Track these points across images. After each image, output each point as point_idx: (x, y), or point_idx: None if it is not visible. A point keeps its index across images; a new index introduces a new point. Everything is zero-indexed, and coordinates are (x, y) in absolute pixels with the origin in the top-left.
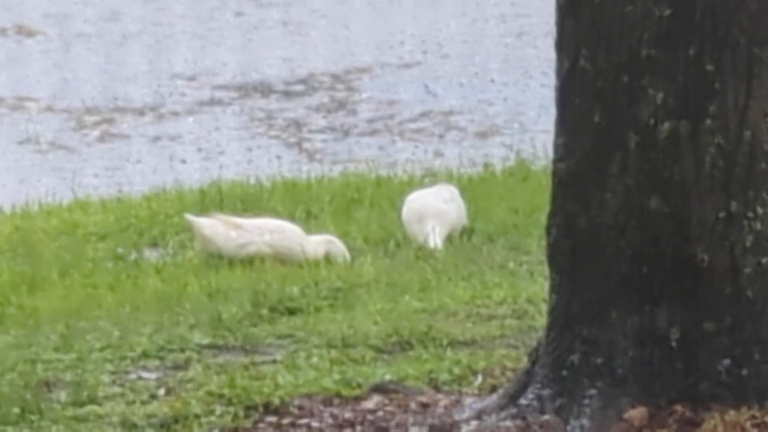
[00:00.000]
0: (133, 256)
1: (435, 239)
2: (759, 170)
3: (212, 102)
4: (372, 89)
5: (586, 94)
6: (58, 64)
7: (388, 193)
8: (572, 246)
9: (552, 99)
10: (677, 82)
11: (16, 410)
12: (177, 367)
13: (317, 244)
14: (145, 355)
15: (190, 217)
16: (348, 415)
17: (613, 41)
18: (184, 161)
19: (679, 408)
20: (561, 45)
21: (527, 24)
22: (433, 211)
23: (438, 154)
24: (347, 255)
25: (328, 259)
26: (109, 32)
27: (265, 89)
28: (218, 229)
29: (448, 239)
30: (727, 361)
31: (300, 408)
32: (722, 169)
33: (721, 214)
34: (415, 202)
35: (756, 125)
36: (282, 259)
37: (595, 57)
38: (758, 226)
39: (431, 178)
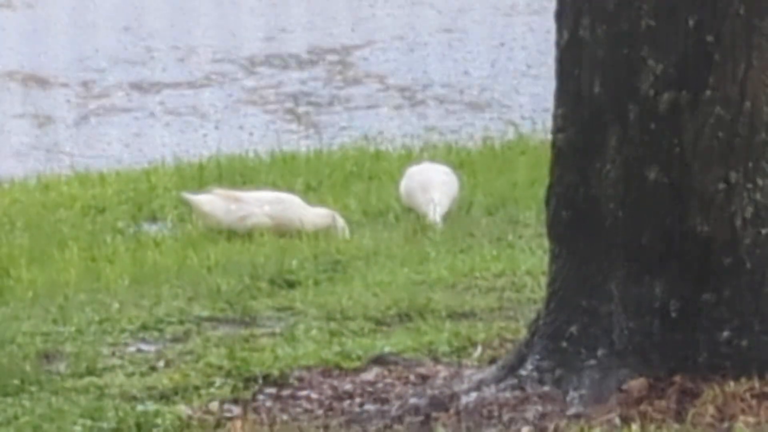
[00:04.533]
0: (132, 229)
1: (436, 213)
2: (759, 141)
3: (210, 75)
4: (369, 63)
5: (585, 65)
6: (48, 37)
7: (387, 166)
8: (571, 217)
9: (543, 71)
10: (677, 53)
11: (16, 381)
12: (176, 340)
13: (319, 216)
14: (144, 327)
15: (187, 195)
16: (347, 386)
17: (612, 12)
18: (183, 134)
19: (678, 379)
20: (560, 16)
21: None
22: (438, 183)
23: (436, 128)
24: (347, 232)
25: (327, 232)
26: (91, 8)
27: (263, 62)
28: (217, 203)
29: (448, 213)
30: (726, 333)
31: (299, 380)
32: (722, 140)
33: (721, 186)
34: (418, 174)
35: (756, 96)
36: (282, 230)
37: (594, 28)
38: (758, 196)
39: (430, 151)
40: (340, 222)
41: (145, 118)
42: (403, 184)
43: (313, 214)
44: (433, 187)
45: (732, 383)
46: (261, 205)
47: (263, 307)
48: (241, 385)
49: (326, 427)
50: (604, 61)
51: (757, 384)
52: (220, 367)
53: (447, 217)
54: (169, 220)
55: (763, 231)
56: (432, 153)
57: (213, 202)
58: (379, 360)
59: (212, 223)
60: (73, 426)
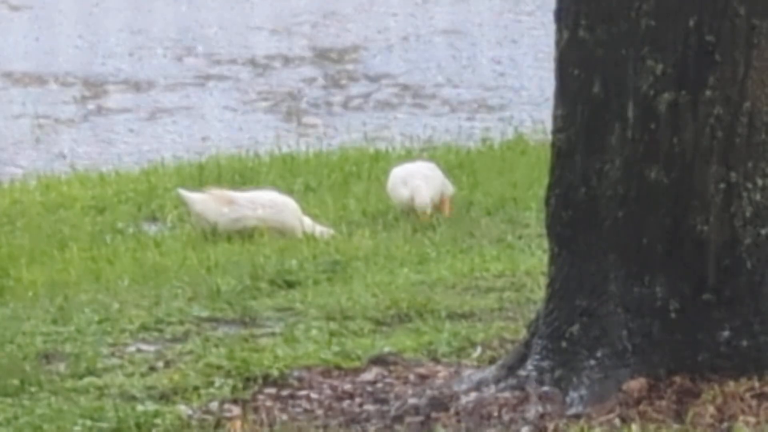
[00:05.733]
0: (132, 229)
1: (422, 196)
2: (758, 141)
3: (210, 75)
4: (369, 63)
5: (585, 64)
6: (48, 37)
7: (386, 166)
8: (571, 217)
9: (544, 72)
10: (677, 53)
11: (16, 382)
12: (176, 340)
13: (308, 226)
14: (143, 327)
15: (182, 192)
16: (347, 386)
17: (612, 12)
18: (182, 134)
19: (678, 379)
20: (560, 15)
21: None
22: (418, 174)
23: (435, 127)
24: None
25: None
26: (91, 5)
27: (263, 62)
28: (210, 204)
29: (441, 210)
30: (726, 333)
31: (299, 380)
32: (722, 140)
33: (721, 185)
34: (398, 169)
35: (755, 96)
36: (275, 233)
37: (594, 27)
38: (758, 197)
39: (430, 151)
40: (323, 229)
41: (145, 118)
42: (388, 185)
43: (305, 223)
44: (414, 177)
45: (732, 383)
46: (254, 208)
47: (263, 307)
48: (240, 385)
49: (326, 427)
50: (604, 61)
51: (756, 384)
52: (219, 367)
53: (439, 214)
54: (169, 220)
55: (763, 231)
56: (432, 153)
57: (205, 202)
58: (379, 360)
59: (203, 223)
60: (73, 426)
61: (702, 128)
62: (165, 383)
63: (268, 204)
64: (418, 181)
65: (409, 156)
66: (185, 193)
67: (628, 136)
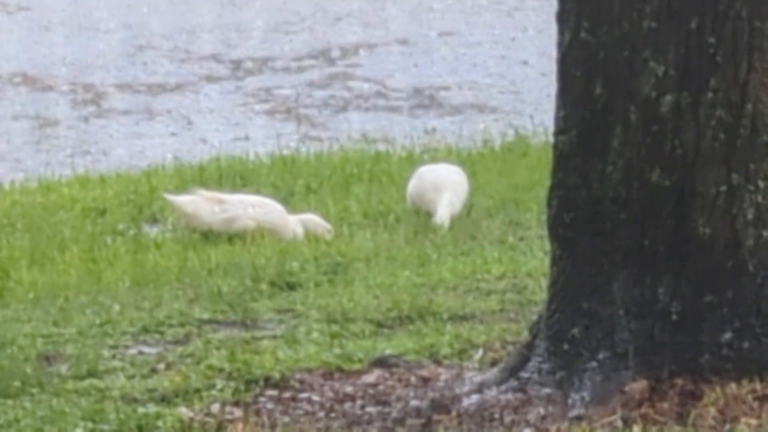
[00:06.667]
0: (133, 231)
1: (445, 215)
2: (760, 143)
3: (209, 77)
4: (370, 65)
5: (587, 66)
6: (46, 40)
7: (387, 168)
8: (573, 219)
9: (545, 73)
10: (678, 55)
11: (17, 384)
12: (177, 342)
13: (296, 223)
14: (145, 329)
15: (169, 196)
16: (348, 389)
17: (614, 13)
18: (182, 136)
19: (680, 381)
20: (562, 17)
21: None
22: (450, 183)
23: (435, 129)
24: (330, 231)
25: (309, 236)
26: (88, 7)
27: (263, 63)
28: (200, 205)
29: (456, 215)
30: (728, 334)
31: (300, 382)
32: (723, 141)
33: (723, 187)
34: (429, 173)
35: (757, 98)
36: (265, 234)
37: (596, 29)
38: (759, 198)
39: (431, 153)
40: (323, 225)
41: (145, 120)
42: (413, 184)
43: (293, 221)
44: (445, 186)
45: (734, 385)
46: (245, 207)
47: (264, 309)
48: (242, 387)
49: (327, 429)
50: (606, 63)
51: (758, 386)
52: (221, 370)
53: (455, 219)
54: (169, 222)
55: (765, 233)
56: (432, 155)
57: (196, 203)
58: (381, 362)
59: (196, 225)
60: (74, 428)
61: (704, 130)
62: (166, 385)
63: (257, 204)
64: (448, 195)
65: (410, 158)
66: (173, 197)
67: (629, 138)
